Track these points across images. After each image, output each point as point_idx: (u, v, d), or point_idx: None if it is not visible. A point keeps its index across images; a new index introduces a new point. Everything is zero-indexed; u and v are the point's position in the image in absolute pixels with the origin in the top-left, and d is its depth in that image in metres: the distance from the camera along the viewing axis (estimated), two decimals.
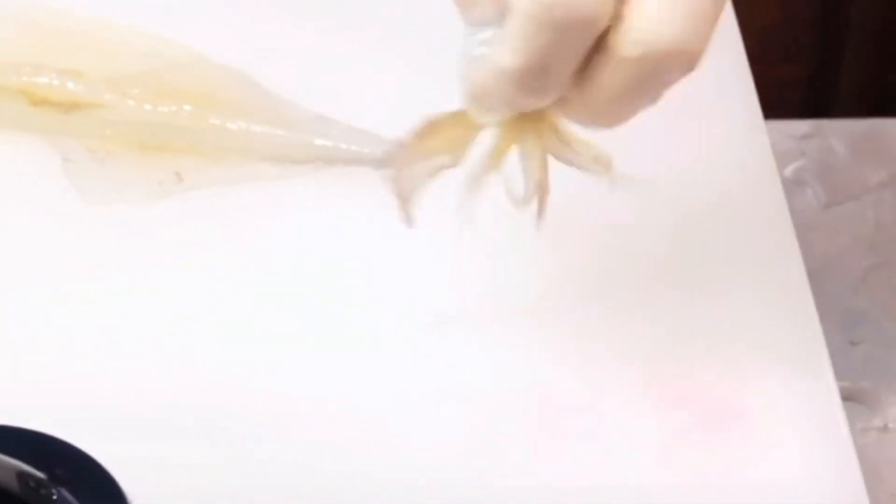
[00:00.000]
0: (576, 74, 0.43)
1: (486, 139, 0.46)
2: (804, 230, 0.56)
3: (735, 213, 0.54)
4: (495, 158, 0.46)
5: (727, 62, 0.60)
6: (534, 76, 0.43)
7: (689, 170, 0.56)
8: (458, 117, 0.46)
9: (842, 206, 0.62)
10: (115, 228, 0.54)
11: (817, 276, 0.54)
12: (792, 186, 0.62)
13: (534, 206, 0.47)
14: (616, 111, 0.44)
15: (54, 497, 0.36)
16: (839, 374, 0.50)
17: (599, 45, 0.42)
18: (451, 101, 0.51)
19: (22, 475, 0.36)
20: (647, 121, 0.57)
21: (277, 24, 0.62)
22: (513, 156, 0.46)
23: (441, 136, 0.47)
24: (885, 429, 0.54)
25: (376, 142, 0.55)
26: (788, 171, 0.64)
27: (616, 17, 0.41)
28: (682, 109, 0.58)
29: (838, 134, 0.65)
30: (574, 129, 0.46)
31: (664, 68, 0.42)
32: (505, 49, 0.42)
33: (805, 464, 0.47)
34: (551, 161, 0.47)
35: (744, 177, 0.55)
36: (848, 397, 0.53)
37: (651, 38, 0.41)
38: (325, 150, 0.57)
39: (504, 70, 0.43)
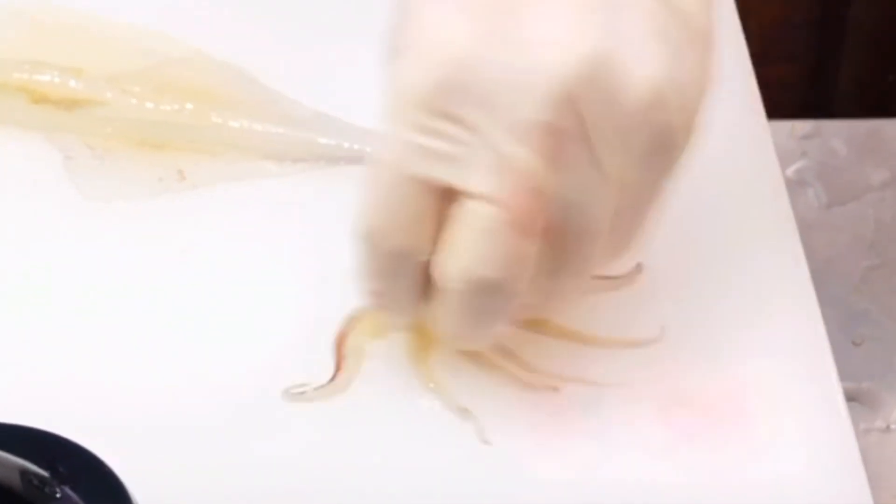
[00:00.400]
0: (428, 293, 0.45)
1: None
2: (805, 230, 0.56)
3: (739, 212, 0.54)
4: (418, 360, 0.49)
5: (731, 63, 0.59)
6: (381, 296, 0.46)
7: (693, 170, 0.56)
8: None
9: (843, 206, 0.62)
10: (115, 225, 0.54)
11: (819, 277, 0.54)
12: (793, 186, 0.62)
13: None
14: (458, 332, 0.46)
15: (57, 495, 0.36)
16: (841, 374, 0.50)
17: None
18: None
19: (25, 473, 0.36)
20: None
21: (279, 21, 0.62)
22: None
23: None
24: (887, 429, 0.54)
25: (378, 140, 0.55)
26: (790, 171, 0.64)
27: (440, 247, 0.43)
28: None
29: (839, 134, 0.65)
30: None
31: (480, 300, 0.44)
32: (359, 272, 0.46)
33: (808, 464, 0.47)
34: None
35: (747, 177, 0.55)
36: (850, 398, 0.53)
37: (457, 273, 0.43)
38: (326, 148, 0.57)
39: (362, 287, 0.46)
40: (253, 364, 0.50)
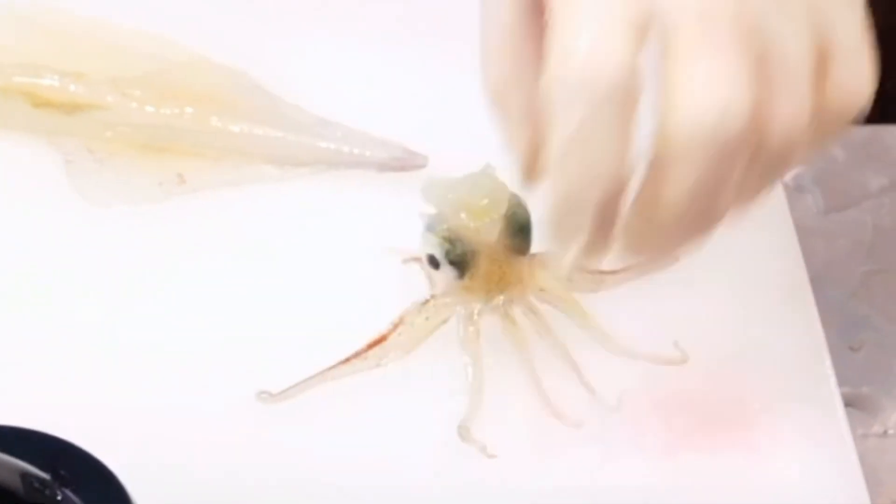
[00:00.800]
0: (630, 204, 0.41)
1: None
2: (804, 236, 0.56)
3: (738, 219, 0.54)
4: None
5: None
6: (581, 152, 0.40)
7: None
8: None
9: (841, 212, 0.62)
10: (116, 229, 0.55)
11: (817, 282, 0.54)
12: (792, 192, 0.62)
13: None
14: (687, 211, 0.41)
15: (58, 498, 0.36)
16: (839, 379, 0.50)
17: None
18: (453, 101, 0.51)
19: (26, 476, 0.36)
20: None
21: (280, 25, 0.62)
22: None
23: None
24: (885, 434, 0.54)
25: (379, 145, 0.55)
26: (788, 177, 0.64)
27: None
28: None
29: (838, 140, 0.65)
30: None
31: (726, 148, 0.39)
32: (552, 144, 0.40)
33: (807, 468, 0.47)
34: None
35: None
36: (848, 403, 0.53)
37: (706, 103, 0.38)
38: (326, 152, 0.57)
39: (553, 162, 0.41)
40: (255, 366, 0.50)
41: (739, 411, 0.48)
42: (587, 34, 0.39)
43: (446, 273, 0.48)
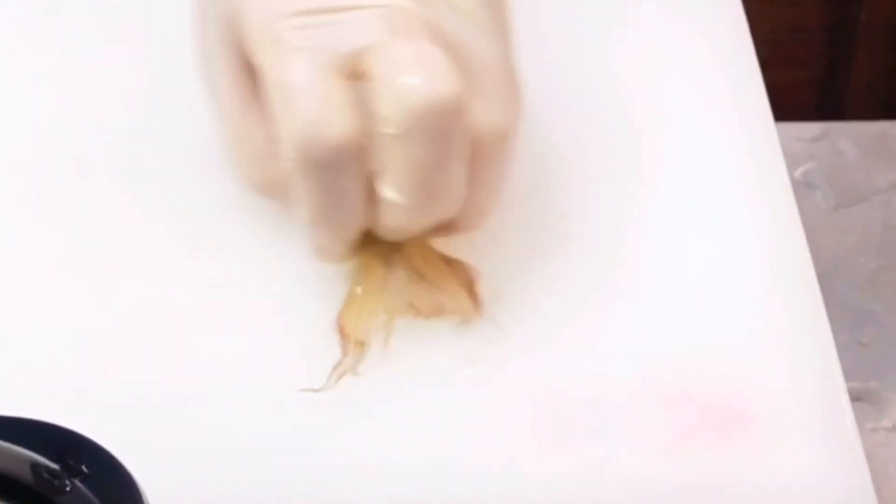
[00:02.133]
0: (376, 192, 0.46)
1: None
2: (813, 232, 0.56)
3: (745, 214, 0.54)
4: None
5: (738, 66, 0.60)
6: (327, 213, 0.47)
7: (700, 171, 0.56)
8: None
9: (851, 207, 0.62)
10: (127, 222, 0.55)
11: (826, 278, 0.54)
12: (801, 188, 0.62)
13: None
14: (419, 198, 0.46)
15: (68, 488, 0.36)
16: (848, 374, 0.50)
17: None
18: None
19: (36, 466, 0.36)
20: (657, 125, 0.57)
21: None
22: None
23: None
24: (893, 429, 0.54)
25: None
26: (798, 173, 0.64)
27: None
28: (694, 113, 0.58)
29: (848, 136, 0.65)
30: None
31: (436, 133, 0.44)
32: (297, 205, 0.46)
33: (813, 463, 0.47)
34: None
35: (754, 178, 0.55)
36: (857, 397, 0.53)
37: (405, 106, 0.44)
38: None
39: (305, 220, 0.47)
40: (262, 358, 0.50)
41: (745, 405, 0.48)
42: (303, 115, 0.44)
43: None
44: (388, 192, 0.46)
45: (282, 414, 0.48)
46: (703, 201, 0.55)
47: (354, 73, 0.45)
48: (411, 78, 0.44)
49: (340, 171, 0.45)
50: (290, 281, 0.52)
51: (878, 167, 0.64)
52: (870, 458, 0.48)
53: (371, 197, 0.46)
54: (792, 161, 0.62)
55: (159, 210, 0.55)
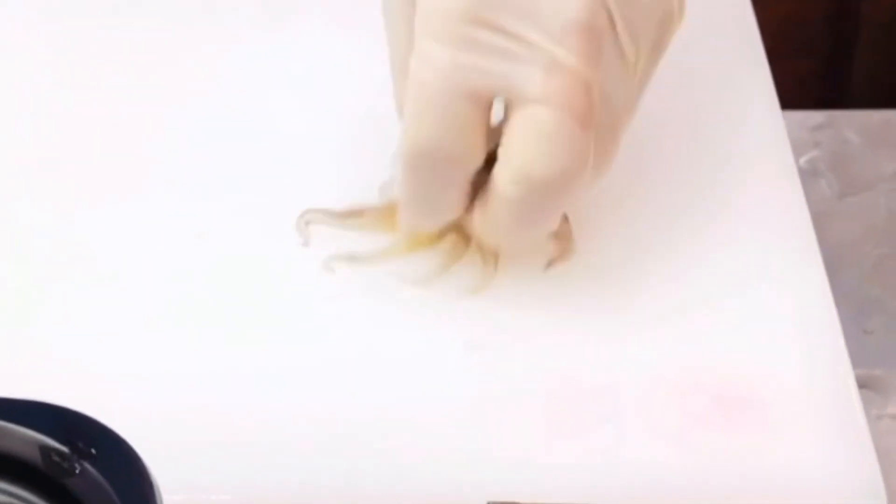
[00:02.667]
0: (478, 198, 0.47)
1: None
2: (818, 220, 0.56)
3: (752, 202, 0.54)
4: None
5: (745, 55, 0.60)
6: (420, 206, 0.47)
7: (707, 160, 0.56)
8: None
9: (856, 196, 0.62)
10: (134, 208, 0.55)
11: (831, 266, 0.54)
12: (806, 177, 0.62)
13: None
14: (513, 232, 0.47)
15: (77, 470, 0.36)
16: (853, 362, 0.50)
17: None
18: None
19: (45, 448, 0.36)
20: (666, 114, 0.57)
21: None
22: None
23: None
24: None
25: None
26: (802, 161, 0.64)
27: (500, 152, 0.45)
28: (700, 101, 0.58)
29: (852, 125, 0.65)
30: None
31: (545, 201, 0.45)
32: (397, 188, 0.47)
33: (822, 450, 0.47)
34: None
35: (761, 166, 0.56)
36: (862, 385, 0.53)
37: (523, 178, 0.44)
38: None
39: (400, 202, 0.48)
40: (265, 339, 0.50)
41: (753, 391, 0.48)
42: (421, 122, 0.45)
43: None
44: (483, 221, 0.47)
45: (288, 395, 0.48)
46: (710, 188, 0.55)
47: (490, 101, 0.45)
48: (540, 157, 0.44)
49: (443, 181, 0.46)
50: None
51: (882, 155, 0.64)
52: (874, 445, 0.48)
53: (470, 202, 0.47)
54: (796, 149, 0.62)
55: (167, 192, 0.55)
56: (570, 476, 0.46)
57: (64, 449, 0.36)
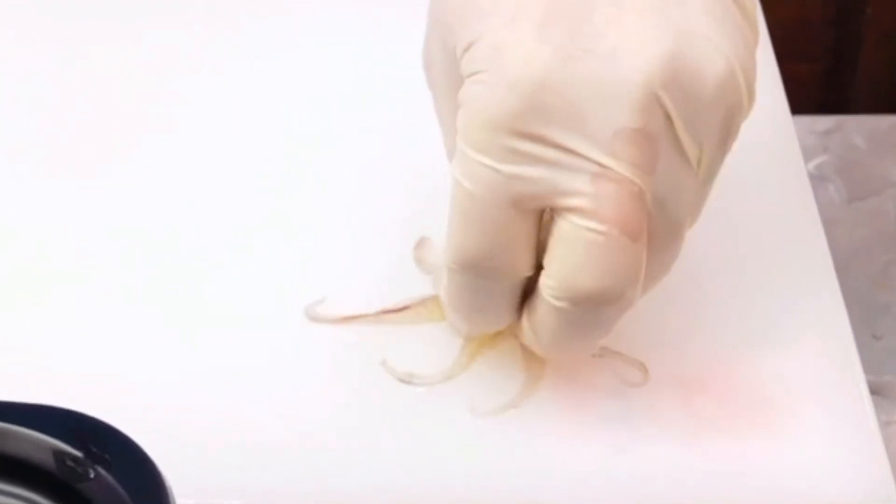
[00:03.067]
0: (526, 304, 0.45)
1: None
2: (826, 225, 0.56)
3: (763, 206, 0.54)
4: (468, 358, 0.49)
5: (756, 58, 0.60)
6: (469, 314, 0.46)
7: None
8: None
9: (863, 200, 0.62)
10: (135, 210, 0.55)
11: (839, 271, 0.54)
12: (814, 182, 0.62)
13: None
14: (560, 343, 0.45)
15: (91, 475, 0.36)
16: (862, 367, 0.50)
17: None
18: None
19: (59, 453, 0.36)
20: None
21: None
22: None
23: None
24: None
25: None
26: (811, 166, 0.64)
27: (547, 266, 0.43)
28: None
29: (860, 130, 0.65)
30: None
31: (594, 314, 0.43)
32: (443, 293, 0.46)
33: (832, 454, 0.47)
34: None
35: (772, 172, 0.56)
36: (871, 391, 0.53)
37: (569, 291, 0.42)
38: None
39: (447, 307, 0.46)
40: (279, 345, 0.50)
41: (764, 396, 0.48)
42: (467, 234, 0.43)
43: None
44: (530, 328, 0.45)
45: (299, 401, 0.48)
46: (720, 193, 0.55)
47: (538, 210, 0.43)
48: (587, 270, 0.42)
49: (491, 290, 0.44)
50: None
51: (890, 160, 0.64)
52: (884, 451, 0.48)
53: (519, 307, 0.45)
54: (805, 154, 0.62)
55: (173, 193, 0.55)
56: (578, 478, 0.46)
57: (78, 453, 0.36)
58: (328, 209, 0.54)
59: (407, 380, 0.48)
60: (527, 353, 0.48)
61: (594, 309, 0.43)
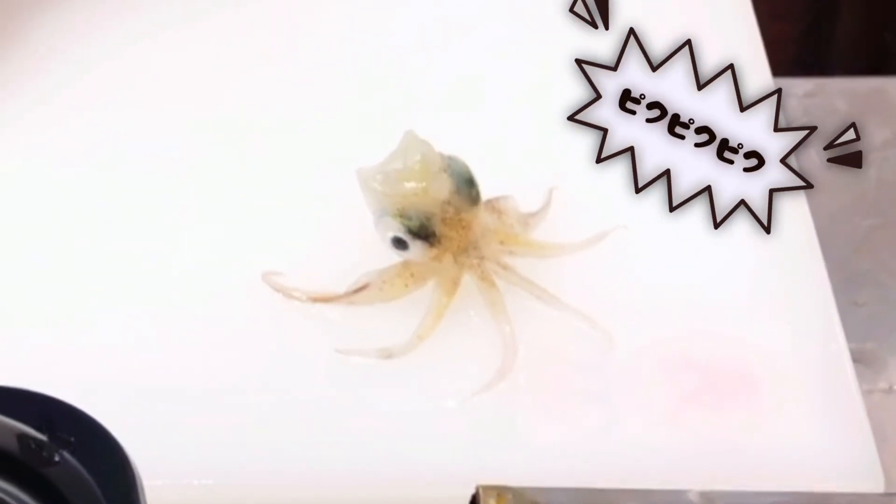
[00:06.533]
0: None
1: None
2: (807, 191, 0.55)
3: None
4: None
5: (736, 20, 0.59)
6: None
7: None
8: None
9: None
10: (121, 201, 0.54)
11: (820, 237, 0.53)
12: None
13: None
14: None
15: (56, 459, 0.35)
16: (843, 335, 0.50)
17: None
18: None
19: (23, 437, 0.35)
20: None
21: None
22: None
23: None
24: (890, 390, 0.53)
25: None
26: None
27: None
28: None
29: (841, 93, 0.64)
30: None
31: None
32: None
33: (816, 426, 0.47)
34: None
35: None
36: (853, 359, 0.52)
37: None
38: None
39: None
40: (253, 326, 0.49)
41: (747, 369, 0.48)
42: None
43: (416, 247, 0.48)
44: None
45: (271, 380, 0.48)
46: None
47: None
48: None
49: None
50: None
51: (871, 124, 0.63)
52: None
53: None
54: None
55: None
56: (560, 457, 0.46)
57: (42, 437, 0.35)
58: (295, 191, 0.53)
59: (387, 355, 0.47)
60: (493, 304, 0.48)
61: None
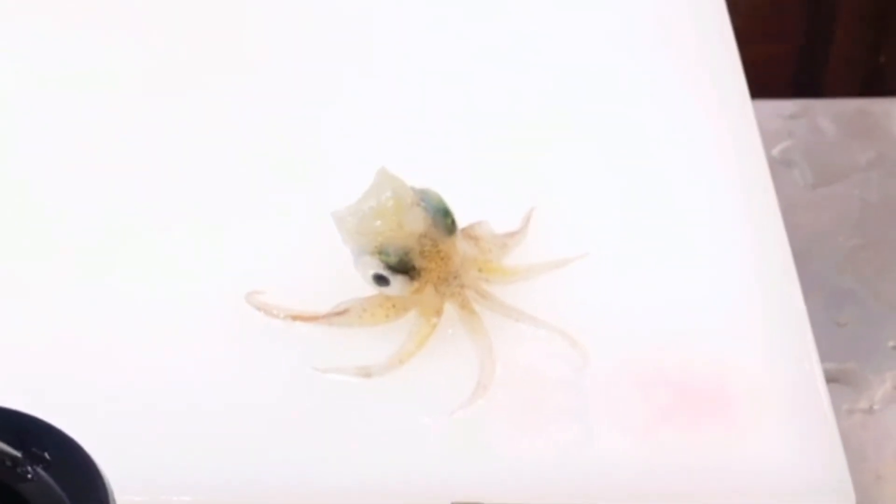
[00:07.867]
0: None
1: None
2: (791, 210, 0.55)
3: (721, 192, 0.54)
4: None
5: (714, 41, 0.59)
6: None
7: (676, 149, 0.56)
8: None
9: (829, 186, 0.62)
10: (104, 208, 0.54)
11: (803, 257, 0.53)
12: (779, 166, 0.62)
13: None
14: None
15: (29, 476, 0.35)
16: (825, 355, 0.50)
17: None
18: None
19: None
20: (635, 101, 0.57)
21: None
22: None
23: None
24: (870, 410, 0.54)
25: None
26: (776, 150, 0.63)
27: None
28: (669, 88, 0.58)
29: (826, 114, 0.64)
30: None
31: None
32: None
33: (788, 445, 0.46)
34: None
35: (730, 156, 0.55)
36: (834, 378, 0.52)
37: None
38: None
39: None
40: (231, 340, 0.49)
41: (721, 387, 0.48)
42: None
43: (398, 282, 0.48)
44: None
45: (250, 396, 0.48)
46: (678, 181, 0.54)
47: None
48: None
49: None
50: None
51: (856, 145, 0.63)
52: (846, 439, 0.47)
53: None
54: (770, 138, 0.62)
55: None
56: (536, 473, 0.46)
57: (16, 453, 0.35)
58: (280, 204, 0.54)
59: (366, 373, 0.48)
60: (475, 330, 0.48)
61: None
